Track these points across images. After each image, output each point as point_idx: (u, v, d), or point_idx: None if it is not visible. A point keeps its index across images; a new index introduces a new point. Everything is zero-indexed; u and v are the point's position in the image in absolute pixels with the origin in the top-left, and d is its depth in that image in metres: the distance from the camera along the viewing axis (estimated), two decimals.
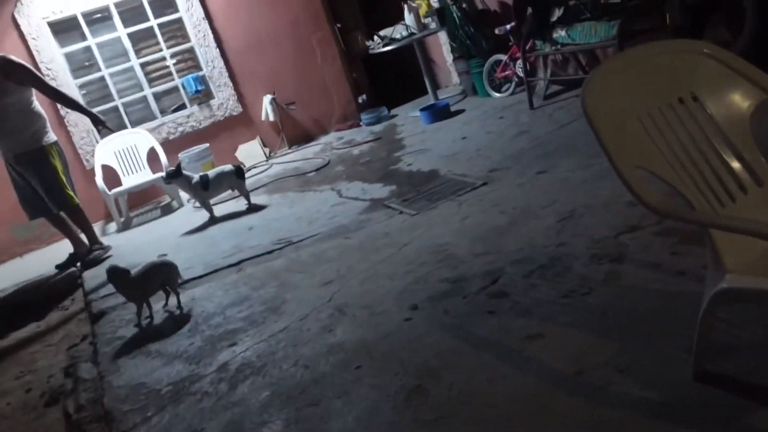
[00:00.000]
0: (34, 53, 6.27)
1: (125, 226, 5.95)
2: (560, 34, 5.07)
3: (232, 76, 7.01)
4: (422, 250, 3.21)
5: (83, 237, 5.08)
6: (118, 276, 3.40)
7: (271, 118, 7.05)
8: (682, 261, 2.31)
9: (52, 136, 4.85)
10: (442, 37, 7.36)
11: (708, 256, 1.63)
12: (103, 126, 5.04)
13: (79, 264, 4.99)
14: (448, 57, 7.48)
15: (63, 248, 5.45)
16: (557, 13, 5.24)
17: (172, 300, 3.50)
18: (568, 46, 5.08)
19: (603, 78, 1.78)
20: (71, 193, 4.85)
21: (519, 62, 5.82)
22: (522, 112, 5.40)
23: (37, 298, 4.61)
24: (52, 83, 6.20)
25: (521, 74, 5.75)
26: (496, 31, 6.03)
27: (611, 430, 1.66)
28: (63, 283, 4.77)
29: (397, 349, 2.35)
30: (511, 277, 2.61)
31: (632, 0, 4.68)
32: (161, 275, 3.43)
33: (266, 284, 3.42)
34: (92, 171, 6.25)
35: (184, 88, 6.88)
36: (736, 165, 1.72)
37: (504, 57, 6.13)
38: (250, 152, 7.01)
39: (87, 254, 4.98)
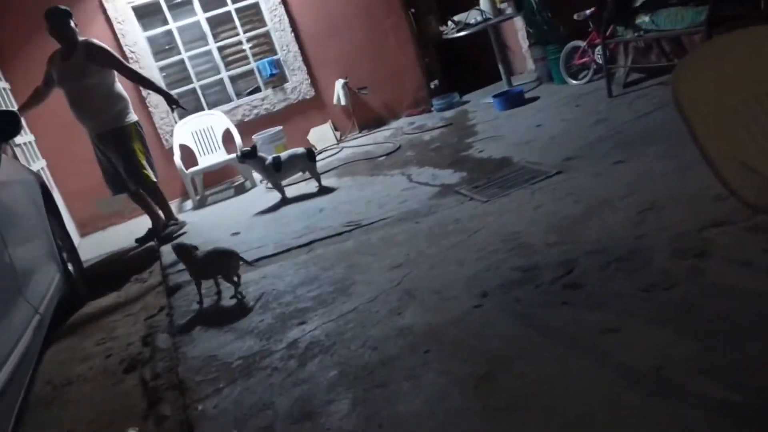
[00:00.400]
0: (119, 37, 6.52)
1: (200, 204, 6.13)
2: (644, 19, 4.87)
3: (306, 60, 7.09)
4: (493, 238, 3.16)
5: (161, 213, 5.27)
6: (182, 252, 3.54)
7: (343, 102, 7.09)
8: None
9: (133, 117, 5.03)
10: (518, 22, 7.21)
11: None
12: (178, 106, 5.19)
13: (155, 238, 5.18)
14: (524, 43, 7.32)
15: (142, 223, 5.68)
16: None
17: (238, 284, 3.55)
18: (652, 32, 4.88)
19: (695, 66, 1.70)
20: (148, 172, 5.03)
21: (598, 49, 5.64)
22: (600, 101, 5.23)
23: (118, 270, 4.81)
24: (135, 65, 6.44)
25: (600, 61, 5.57)
26: (575, 17, 5.85)
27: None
28: (142, 257, 4.96)
29: (466, 335, 2.32)
30: (587, 269, 2.54)
31: None
32: (220, 264, 3.46)
33: (336, 265, 3.45)
34: (171, 150, 6.47)
35: (259, 71, 7.01)
36: None
37: (582, 43, 5.94)
38: (321, 135, 7.09)
39: (163, 229, 5.17)
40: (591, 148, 4.10)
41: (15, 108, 5.49)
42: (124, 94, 5.05)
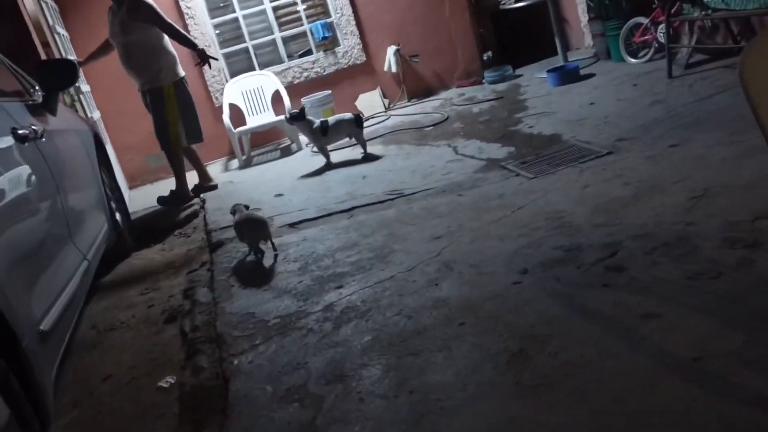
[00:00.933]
0: None
1: (246, 164, 6.20)
2: None
3: (359, 25, 7.03)
4: (537, 215, 3.12)
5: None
6: (233, 211, 3.72)
7: (394, 69, 7.03)
8: None
9: (173, 76, 5.06)
10: None
11: None
12: (207, 61, 5.19)
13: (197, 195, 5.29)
14: (583, 17, 7.10)
15: (189, 177, 5.79)
16: None
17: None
18: (721, 11, 4.67)
19: (765, 47, 1.61)
20: (175, 136, 5.09)
21: (661, 27, 5.43)
22: (659, 81, 5.06)
23: (163, 223, 4.92)
24: (190, 21, 6.50)
25: (662, 40, 5.37)
26: None
27: (727, 424, 1.55)
28: (186, 212, 5.06)
29: (502, 311, 2.31)
30: (631, 252, 2.48)
31: None
32: (249, 231, 3.55)
33: (376, 233, 3.46)
34: (220, 108, 6.54)
35: (311, 34, 6.99)
36: None
37: (645, 20, 5.73)
38: (369, 102, 7.06)
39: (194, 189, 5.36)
40: (645, 129, 3.98)
41: (73, 57, 5.61)
42: (171, 50, 5.08)
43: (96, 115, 6.12)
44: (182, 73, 5.16)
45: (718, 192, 2.80)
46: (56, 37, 5.52)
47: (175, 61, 5.09)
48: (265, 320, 2.77)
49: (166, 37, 5.05)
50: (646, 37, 5.78)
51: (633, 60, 5.94)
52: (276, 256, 3.51)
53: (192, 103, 5.20)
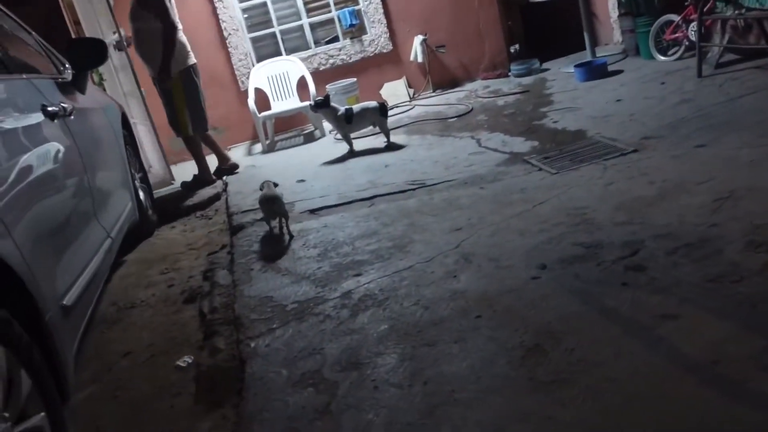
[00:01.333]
0: None
1: (269, 149, 6.24)
2: None
3: (386, 13, 7.00)
4: (558, 211, 3.10)
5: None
6: (263, 187, 3.90)
7: (420, 59, 7.01)
8: None
9: (183, 63, 5.10)
10: None
11: None
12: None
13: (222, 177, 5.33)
14: (613, 12, 7.00)
15: (211, 160, 5.85)
16: None
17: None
18: (755, 11, 4.58)
19: None
20: (184, 124, 5.15)
21: (693, 24, 5.33)
22: (688, 80, 4.98)
23: (185, 205, 4.97)
24: (219, 5, 6.53)
25: (693, 38, 5.28)
26: None
27: (743, 430, 1.54)
28: (209, 194, 5.10)
29: (519, 306, 2.31)
30: (652, 252, 2.46)
31: None
32: (266, 207, 3.72)
33: (396, 222, 3.47)
34: (246, 93, 6.57)
35: (339, 20, 6.98)
36: None
37: (676, 17, 5.64)
38: (394, 91, 7.04)
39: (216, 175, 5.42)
40: (672, 128, 3.93)
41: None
42: (182, 40, 5.13)
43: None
44: (192, 61, 5.18)
45: (743, 195, 2.76)
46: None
47: (183, 50, 5.12)
48: (283, 305, 2.79)
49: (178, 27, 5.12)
50: (677, 35, 5.69)
51: (662, 58, 5.85)
52: (291, 239, 3.58)
53: (197, 93, 5.22)
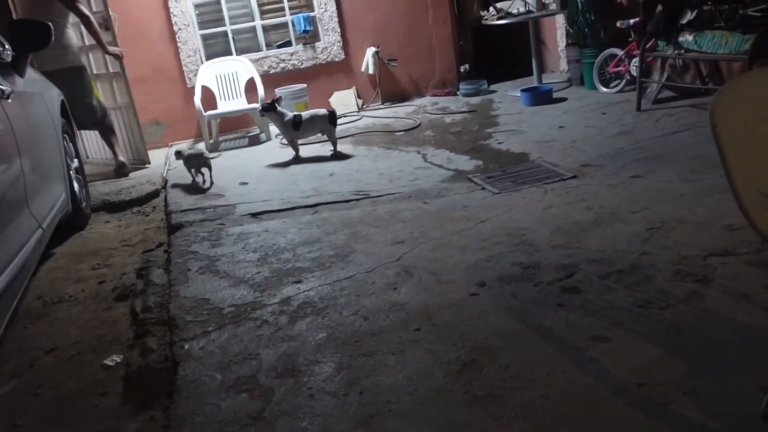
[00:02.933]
0: None
1: (213, 148, 6.13)
2: (687, 38, 4.81)
3: (341, 22, 7.02)
4: (499, 230, 3.17)
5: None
6: (178, 155, 4.89)
7: (371, 70, 7.04)
8: None
9: (65, 64, 5.08)
10: (560, 20, 7.12)
11: None
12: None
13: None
14: (561, 42, 7.24)
15: (156, 155, 5.72)
16: (688, 15, 4.96)
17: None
18: (693, 52, 4.82)
19: (735, 93, 1.68)
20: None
21: (635, 60, 5.57)
22: (627, 112, 5.19)
23: (121, 199, 4.82)
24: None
25: (635, 73, 5.51)
26: (618, 24, 5.78)
27: None
28: (148, 190, 4.97)
29: (458, 321, 2.34)
30: (587, 275, 2.55)
31: None
32: (192, 157, 4.82)
33: (339, 231, 3.47)
34: (192, 89, 6.44)
35: (293, 25, 6.95)
36: None
37: (620, 52, 5.88)
38: (343, 100, 7.05)
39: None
40: (610, 158, 4.08)
41: None
42: (71, 41, 5.13)
43: None
44: (78, 63, 5.23)
45: (674, 226, 2.89)
46: None
47: (68, 50, 5.11)
48: (220, 308, 2.74)
49: (70, 27, 5.10)
50: (619, 68, 5.93)
51: (605, 89, 6.08)
52: (211, 185, 4.72)
53: (82, 91, 5.20)
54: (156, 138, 6.61)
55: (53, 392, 2.32)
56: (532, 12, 6.50)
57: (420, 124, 5.99)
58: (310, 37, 6.99)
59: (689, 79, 5.52)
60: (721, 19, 4.67)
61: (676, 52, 4.97)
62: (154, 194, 4.90)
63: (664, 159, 3.89)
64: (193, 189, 4.72)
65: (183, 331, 2.58)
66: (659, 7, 5.11)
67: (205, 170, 4.81)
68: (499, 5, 6.75)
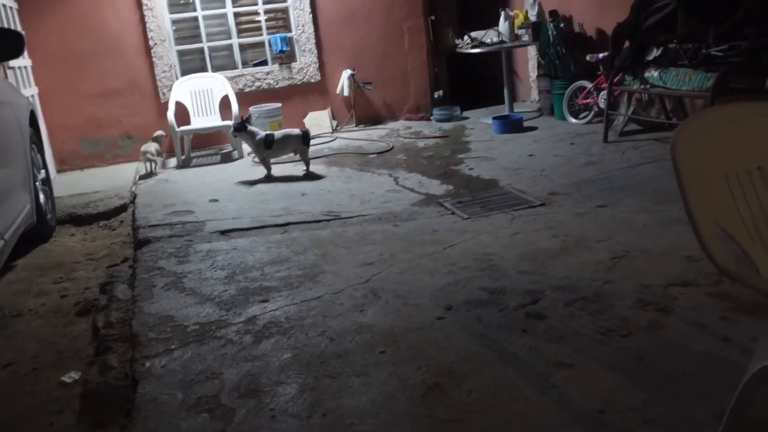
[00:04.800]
0: None
1: (184, 164, 6.09)
2: (652, 74, 4.95)
3: (318, 44, 7.08)
4: (467, 255, 3.20)
5: None
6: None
7: (346, 93, 7.10)
8: (730, 327, 2.24)
9: None
10: (531, 51, 7.28)
11: (763, 329, 1.58)
12: None
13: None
14: (533, 72, 7.40)
15: (122, 170, 5.64)
16: (654, 52, 5.11)
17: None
18: (658, 88, 4.96)
19: (695, 129, 1.74)
20: None
21: (603, 93, 5.71)
22: (595, 143, 5.31)
23: (87, 212, 4.75)
24: (148, 13, 6.39)
25: (603, 105, 5.65)
26: (588, 58, 5.93)
27: None
28: (115, 204, 4.90)
29: (424, 344, 2.35)
30: (552, 302, 2.58)
31: (735, 56, 4.51)
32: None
33: (308, 251, 3.46)
34: (166, 104, 6.41)
35: (270, 45, 6.98)
36: None
37: (589, 84, 6.03)
38: (318, 121, 7.08)
39: None
40: (577, 187, 4.16)
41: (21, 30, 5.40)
42: None
43: (32, 91, 5.88)
44: None
45: (637, 255, 2.96)
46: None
47: None
48: (184, 325, 2.71)
49: None
50: (588, 101, 6.07)
51: (574, 120, 6.22)
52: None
53: None
54: (127, 152, 6.55)
55: (6, 408, 2.26)
56: (505, 42, 6.63)
57: (393, 147, 6.04)
58: (286, 57, 7.02)
59: (654, 114, 5.67)
60: (686, 57, 4.82)
61: (642, 86, 5.11)
62: (122, 208, 4.84)
63: (629, 190, 3.98)
64: (163, 204, 4.67)
65: (145, 349, 2.54)
66: (627, 43, 5.26)
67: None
68: (473, 34, 6.87)
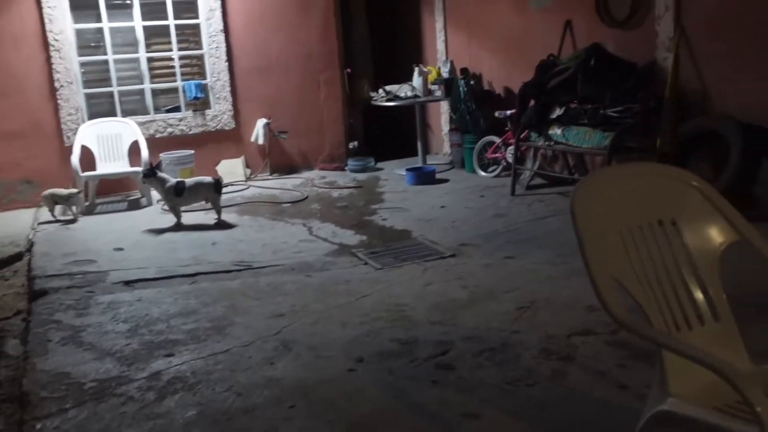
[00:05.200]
0: (46, 21, 6.23)
1: (88, 211, 5.84)
2: (556, 131, 5.24)
3: (233, 92, 7.05)
4: (379, 305, 3.21)
5: None
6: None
7: (261, 141, 7.07)
8: (627, 375, 2.35)
9: None
10: (444, 106, 7.54)
11: (655, 376, 1.67)
12: None
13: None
14: (445, 126, 7.65)
15: (19, 216, 5.35)
16: (557, 111, 5.42)
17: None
18: (561, 144, 5.25)
19: (593, 185, 1.85)
20: None
21: (511, 148, 5.97)
22: (503, 196, 5.51)
23: None
24: (55, 54, 6.20)
25: (510, 160, 5.90)
26: (496, 114, 6.20)
27: None
28: (10, 253, 4.61)
29: (335, 397, 2.32)
30: (461, 353, 2.63)
31: (629, 117, 4.86)
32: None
33: (217, 302, 3.38)
34: (70, 148, 6.16)
35: (184, 91, 6.89)
36: (699, 296, 1.78)
37: (497, 140, 6.29)
38: (231, 169, 7.00)
39: None
40: (487, 239, 4.29)
41: None
42: None
43: None
44: None
45: (541, 306, 3.07)
46: None
47: None
48: (81, 382, 2.56)
49: None
50: (496, 155, 6.33)
51: (483, 173, 6.45)
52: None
53: None
54: (26, 197, 6.20)
55: None
56: (418, 97, 6.85)
57: (307, 196, 6.04)
58: (200, 104, 6.95)
59: (558, 169, 5.98)
60: (586, 116, 5.14)
61: (546, 143, 5.40)
62: (17, 257, 4.55)
63: (535, 242, 4.14)
64: (63, 253, 4.44)
65: (36, 409, 2.38)
66: (532, 102, 5.56)
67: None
68: (388, 88, 7.06)
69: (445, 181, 6.36)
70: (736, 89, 4.40)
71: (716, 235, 1.84)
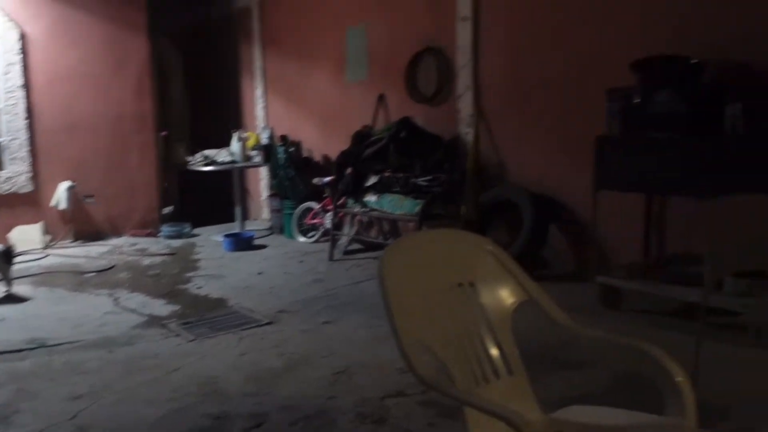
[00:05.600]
0: None
1: None
2: (371, 198, 5.47)
3: (33, 152, 6.50)
4: (191, 379, 3.05)
5: None
6: None
7: (63, 206, 6.54)
8: None
9: None
10: (263, 172, 7.56)
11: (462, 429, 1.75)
12: None
13: None
14: (264, 192, 7.65)
15: None
16: (372, 179, 5.67)
17: None
18: (376, 211, 5.48)
19: (400, 251, 1.95)
20: None
21: (329, 214, 6.11)
22: (321, 261, 5.58)
23: None
24: None
25: (328, 226, 6.02)
26: (314, 181, 6.34)
27: None
28: None
29: None
30: (276, 423, 2.56)
31: (437, 186, 5.22)
32: None
33: (2, 387, 2.99)
34: None
35: None
36: (494, 352, 1.92)
37: (316, 206, 6.41)
38: (26, 236, 6.36)
39: None
40: (304, 304, 4.29)
41: None
42: None
43: None
44: None
45: (357, 370, 3.11)
46: None
47: None
48: None
49: None
50: (315, 221, 6.43)
51: (302, 239, 6.50)
52: None
53: None
54: None
55: None
56: (237, 162, 6.81)
57: (115, 265, 5.65)
58: None
59: (374, 234, 6.21)
60: (398, 184, 5.43)
61: (362, 209, 5.60)
62: None
63: (352, 306, 4.22)
64: None
65: None
66: (349, 169, 5.77)
67: None
68: (206, 152, 6.94)
69: (264, 246, 6.32)
70: (527, 163, 4.94)
71: (507, 295, 2.02)
